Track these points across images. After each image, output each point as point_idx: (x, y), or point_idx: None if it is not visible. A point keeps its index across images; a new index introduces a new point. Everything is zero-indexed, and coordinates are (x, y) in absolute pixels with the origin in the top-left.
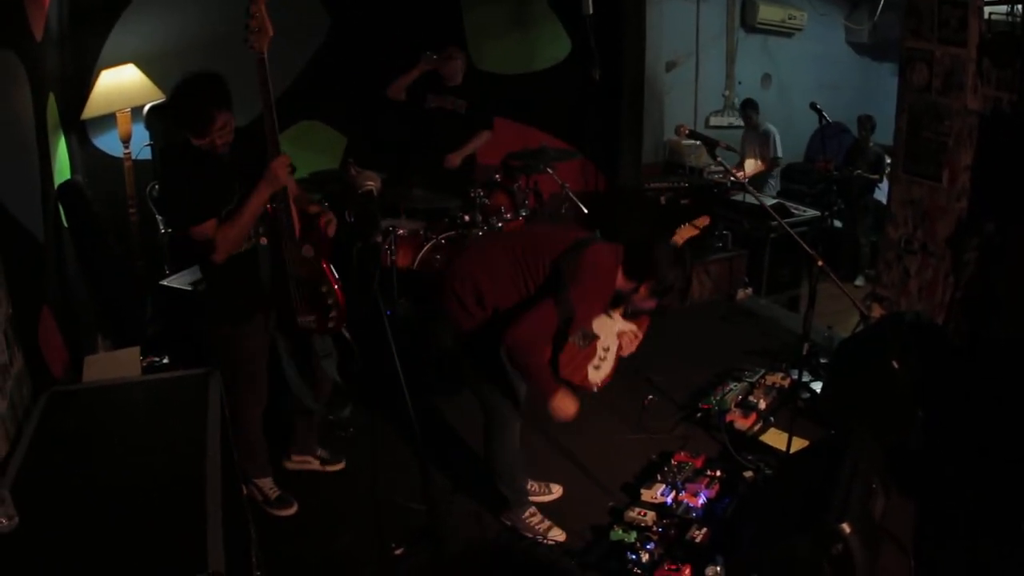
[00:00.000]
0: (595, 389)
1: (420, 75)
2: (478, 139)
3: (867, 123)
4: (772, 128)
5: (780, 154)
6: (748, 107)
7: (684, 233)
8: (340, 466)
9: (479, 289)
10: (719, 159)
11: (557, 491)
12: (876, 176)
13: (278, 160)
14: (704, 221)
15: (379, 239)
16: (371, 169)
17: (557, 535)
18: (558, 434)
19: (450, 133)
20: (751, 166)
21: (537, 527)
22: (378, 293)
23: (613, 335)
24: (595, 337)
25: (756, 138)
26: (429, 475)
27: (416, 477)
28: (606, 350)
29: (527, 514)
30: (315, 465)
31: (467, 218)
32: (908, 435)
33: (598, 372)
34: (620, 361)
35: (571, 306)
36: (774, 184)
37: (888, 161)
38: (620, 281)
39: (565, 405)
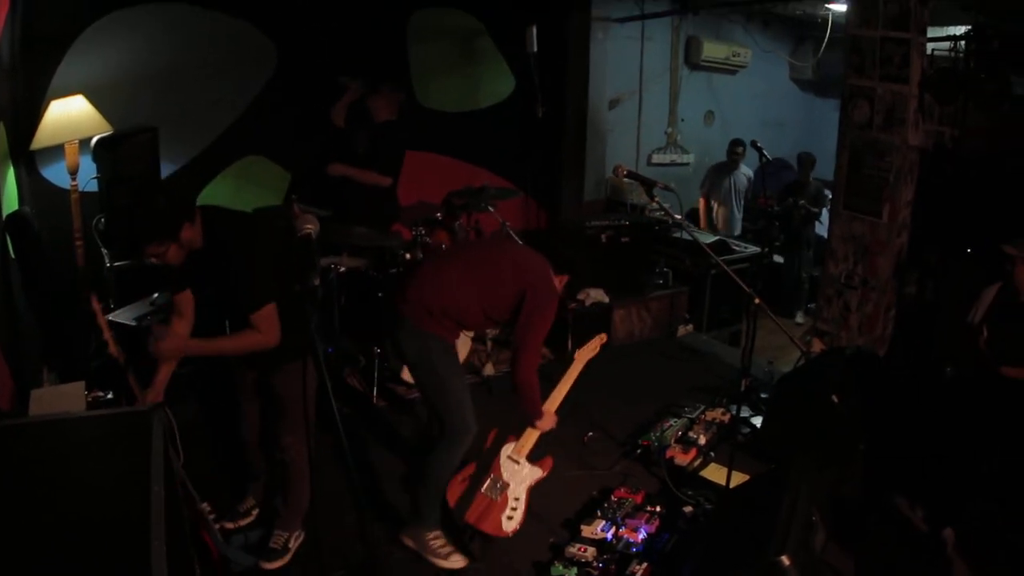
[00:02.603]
0: (510, 535)
1: (357, 105)
2: (367, 174)
3: (807, 160)
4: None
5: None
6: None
7: (584, 356)
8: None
9: (451, 316)
10: (656, 199)
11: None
12: (816, 209)
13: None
14: (602, 339)
15: (317, 282)
16: (315, 206)
17: (457, 561)
18: None
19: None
20: (724, 214)
21: (439, 551)
22: (315, 335)
23: (523, 484)
24: (506, 486)
25: (727, 180)
26: (365, 514)
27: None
28: (516, 499)
29: (431, 536)
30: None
31: (408, 256)
32: (850, 469)
33: (511, 522)
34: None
35: (543, 327)
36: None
37: (828, 195)
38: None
39: (550, 422)
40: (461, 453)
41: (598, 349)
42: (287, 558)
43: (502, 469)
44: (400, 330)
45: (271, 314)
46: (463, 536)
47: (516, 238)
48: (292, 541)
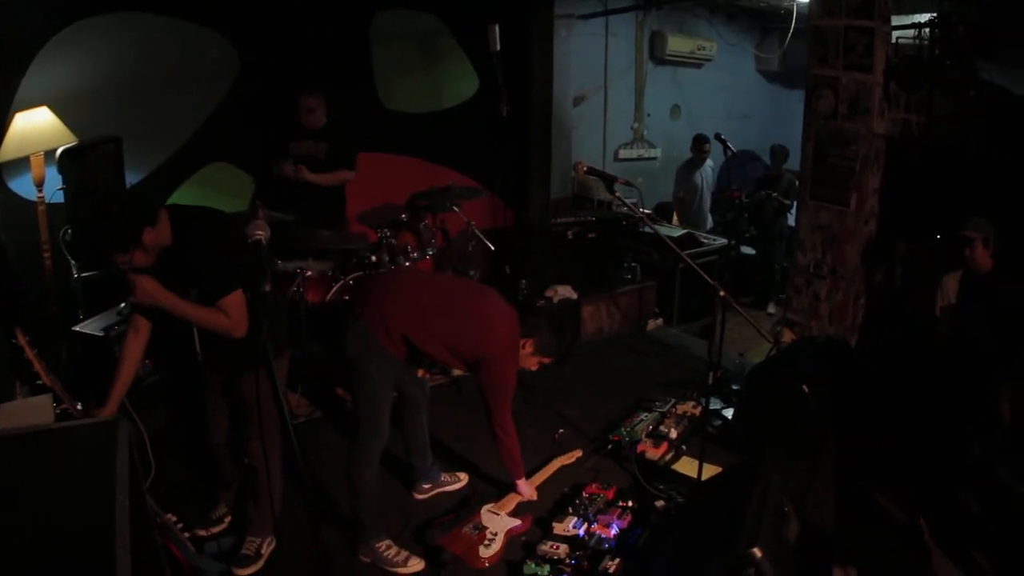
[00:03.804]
0: (487, 565)
1: (283, 125)
2: (339, 174)
3: (780, 152)
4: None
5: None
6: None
7: (560, 462)
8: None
9: (408, 342)
10: (617, 194)
11: (464, 478)
12: (788, 201)
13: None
14: (577, 453)
15: (268, 288)
16: (280, 211)
17: (415, 565)
18: (470, 470)
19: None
20: (696, 210)
21: (394, 559)
22: (267, 341)
23: (501, 528)
24: (485, 527)
25: (696, 176)
26: (319, 522)
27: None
28: (494, 534)
29: (383, 546)
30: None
31: (374, 258)
32: (822, 459)
33: (487, 549)
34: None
35: (503, 390)
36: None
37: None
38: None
39: (529, 489)
40: (375, 457)
41: (573, 460)
42: (260, 564)
43: (482, 517)
44: (351, 327)
45: (240, 301)
46: (436, 553)
47: (487, 240)
48: (264, 547)
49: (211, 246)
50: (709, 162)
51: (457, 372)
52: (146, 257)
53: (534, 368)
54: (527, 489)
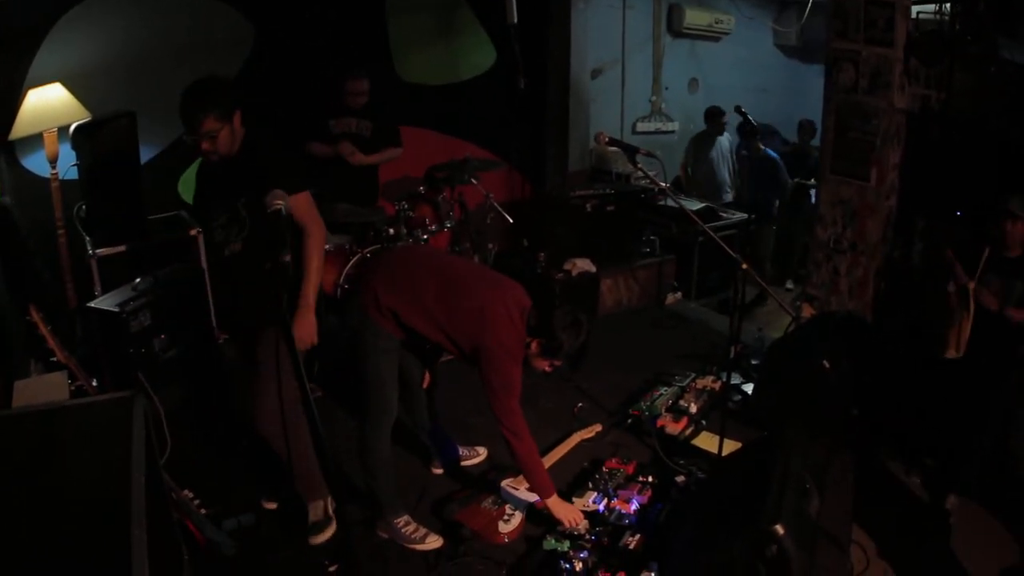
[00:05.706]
0: (506, 541)
1: (321, 101)
2: (386, 152)
3: (808, 127)
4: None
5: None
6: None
7: (579, 436)
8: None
9: (400, 323)
10: (639, 165)
11: (483, 452)
12: (812, 181)
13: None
14: (597, 428)
15: (288, 258)
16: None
17: (434, 542)
18: (489, 444)
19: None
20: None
21: (412, 535)
22: (287, 313)
23: (521, 502)
24: (504, 503)
25: (713, 148)
26: (341, 496)
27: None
28: (514, 510)
29: (401, 522)
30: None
31: (392, 231)
32: (843, 435)
33: (507, 524)
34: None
35: (502, 386)
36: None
37: None
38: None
39: (567, 513)
40: (386, 433)
41: (593, 435)
42: (333, 527)
43: (501, 492)
44: (352, 301)
45: (309, 200)
46: (454, 529)
47: (505, 213)
48: (330, 507)
49: (276, 152)
50: (727, 135)
51: None
52: (228, 141)
53: (547, 370)
54: (562, 510)
